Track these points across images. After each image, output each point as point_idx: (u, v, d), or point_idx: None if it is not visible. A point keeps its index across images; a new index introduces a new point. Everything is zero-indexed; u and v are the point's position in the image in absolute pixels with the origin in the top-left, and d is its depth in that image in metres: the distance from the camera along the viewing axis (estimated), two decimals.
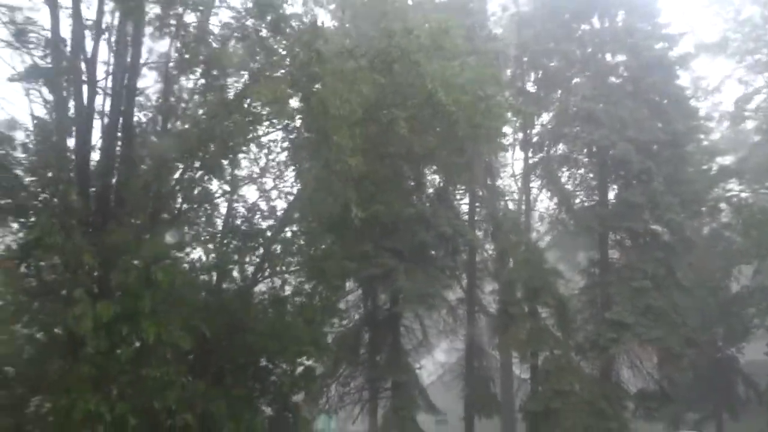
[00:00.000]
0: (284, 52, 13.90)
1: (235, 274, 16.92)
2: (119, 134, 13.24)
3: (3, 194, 11.93)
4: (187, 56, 13.95)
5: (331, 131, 12.82)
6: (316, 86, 13.19)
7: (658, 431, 26.84)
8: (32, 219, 11.85)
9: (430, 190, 22.62)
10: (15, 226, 12.33)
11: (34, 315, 11.47)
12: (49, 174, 12.15)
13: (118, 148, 13.16)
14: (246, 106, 14.38)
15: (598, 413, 21.23)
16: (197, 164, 14.36)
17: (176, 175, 14.29)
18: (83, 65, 12.74)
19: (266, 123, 15.42)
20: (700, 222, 26.25)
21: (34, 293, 12.05)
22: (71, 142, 12.88)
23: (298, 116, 13.97)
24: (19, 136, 12.61)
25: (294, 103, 14.10)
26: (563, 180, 24.95)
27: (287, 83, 13.06)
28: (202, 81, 14.44)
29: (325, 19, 13.93)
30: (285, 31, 13.34)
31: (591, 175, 24.87)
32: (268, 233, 16.57)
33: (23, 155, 12.45)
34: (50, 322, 11.08)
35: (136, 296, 11.59)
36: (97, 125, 13.18)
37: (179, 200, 14.51)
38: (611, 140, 22.11)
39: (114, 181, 12.82)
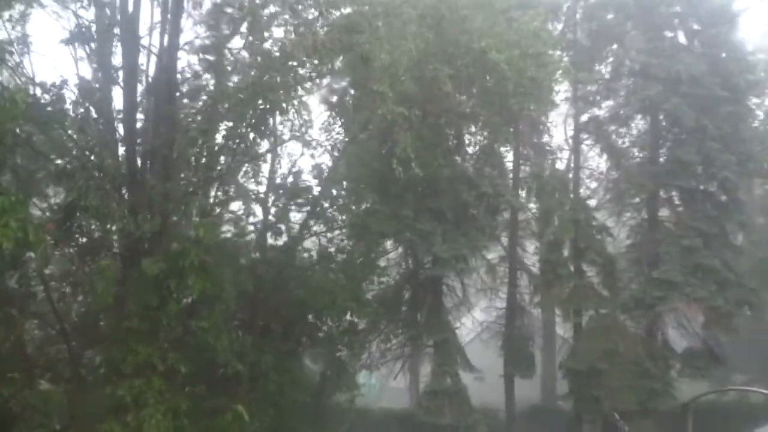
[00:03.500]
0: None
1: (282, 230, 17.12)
2: (163, 92, 13.20)
3: (46, 159, 12.07)
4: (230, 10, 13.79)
5: (372, 82, 12.56)
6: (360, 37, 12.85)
7: (702, 391, 26.50)
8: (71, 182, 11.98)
9: (473, 149, 22.26)
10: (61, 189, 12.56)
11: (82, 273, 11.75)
12: (94, 133, 12.24)
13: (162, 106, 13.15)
14: (291, 64, 14.21)
15: (643, 372, 21.05)
16: (244, 122, 14.33)
17: (222, 133, 14.31)
18: (125, 22, 12.62)
19: (309, 83, 15.29)
20: (751, 182, 25.23)
21: (81, 253, 12.36)
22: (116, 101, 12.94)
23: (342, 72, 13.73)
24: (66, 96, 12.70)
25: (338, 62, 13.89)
26: (615, 137, 24.22)
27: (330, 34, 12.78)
28: (248, 38, 14.30)
29: None
30: None
31: (643, 132, 24.08)
32: (315, 191, 16.61)
33: (69, 116, 12.55)
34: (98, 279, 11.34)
35: (182, 253, 11.74)
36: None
37: (225, 158, 14.58)
38: (665, 96, 21.29)
39: (159, 138, 12.85)
